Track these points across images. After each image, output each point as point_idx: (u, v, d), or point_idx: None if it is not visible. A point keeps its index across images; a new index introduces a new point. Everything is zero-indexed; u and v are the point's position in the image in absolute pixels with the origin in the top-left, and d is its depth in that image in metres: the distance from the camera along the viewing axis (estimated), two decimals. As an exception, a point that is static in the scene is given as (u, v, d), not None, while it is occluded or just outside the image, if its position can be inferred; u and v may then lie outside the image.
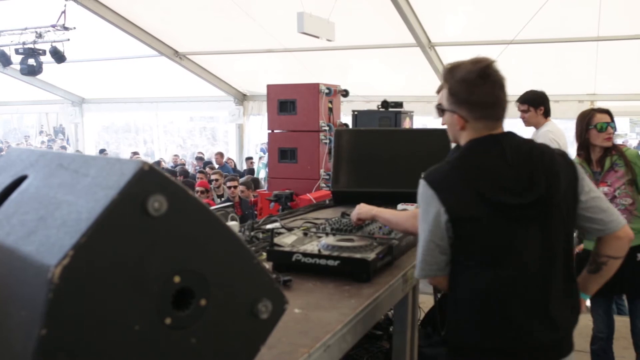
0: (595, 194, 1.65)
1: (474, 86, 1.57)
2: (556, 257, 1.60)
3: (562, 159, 1.64)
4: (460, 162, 1.63)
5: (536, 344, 1.58)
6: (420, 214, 1.62)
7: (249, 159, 11.35)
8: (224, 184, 7.30)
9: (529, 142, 1.66)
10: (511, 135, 1.64)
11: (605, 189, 3.14)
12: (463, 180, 1.58)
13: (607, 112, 3.23)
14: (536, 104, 4.06)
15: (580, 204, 1.63)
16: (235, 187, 6.79)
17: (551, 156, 1.62)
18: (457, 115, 1.62)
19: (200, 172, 9.53)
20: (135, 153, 14.21)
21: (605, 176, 3.18)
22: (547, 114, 4.12)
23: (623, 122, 14.21)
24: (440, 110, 1.71)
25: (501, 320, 1.57)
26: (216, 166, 10.93)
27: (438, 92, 2.23)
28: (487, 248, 1.57)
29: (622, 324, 3.89)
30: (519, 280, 1.56)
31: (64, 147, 15.78)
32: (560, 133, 4.14)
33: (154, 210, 0.82)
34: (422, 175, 1.62)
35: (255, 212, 5.53)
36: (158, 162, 11.54)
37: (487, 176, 1.57)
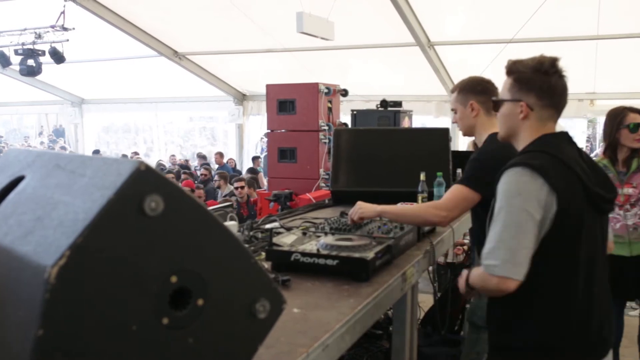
0: None
1: (547, 74, 1.62)
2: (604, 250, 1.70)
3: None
4: (555, 151, 1.59)
5: (603, 339, 1.64)
6: (516, 207, 1.51)
7: (256, 158, 11.36)
8: (231, 184, 7.32)
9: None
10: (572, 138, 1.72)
11: (630, 190, 3.09)
12: (567, 168, 1.55)
13: (639, 111, 3.14)
14: None
15: None
16: (242, 187, 6.84)
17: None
18: (524, 103, 1.64)
19: (204, 167, 9.66)
20: (135, 153, 14.21)
21: (631, 177, 3.11)
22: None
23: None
24: (497, 103, 1.74)
25: (586, 318, 1.58)
26: (216, 166, 10.93)
27: (453, 91, 2.26)
28: (588, 241, 1.57)
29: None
30: (600, 275, 1.63)
31: (63, 148, 15.78)
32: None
33: (150, 210, 0.82)
34: (515, 164, 1.55)
35: (255, 212, 5.53)
36: (162, 166, 11.52)
37: (580, 167, 1.58)
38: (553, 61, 1.64)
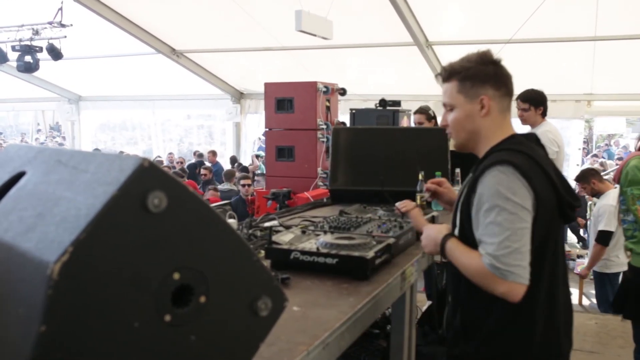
0: None
1: (494, 64, 1.57)
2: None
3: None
4: (528, 151, 1.50)
5: (565, 351, 1.60)
6: (515, 206, 1.41)
7: (259, 157, 11.35)
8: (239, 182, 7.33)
9: None
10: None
11: None
12: (543, 172, 1.49)
13: None
14: (537, 103, 4.08)
15: None
16: (248, 185, 6.85)
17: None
18: (484, 96, 1.54)
19: (204, 167, 9.65)
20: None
21: None
22: (544, 114, 4.14)
23: (619, 122, 14.27)
24: (450, 109, 1.62)
25: (556, 329, 1.54)
26: (209, 164, 10.92)
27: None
28: (552, 250, 1.51)
29: (619, 322, 3.90)
30: (565, 285, 1.58)
31: (61, 145, 15.74)
32: (558, 133, 4.17)
33: (153, 207, 0.81)
34: (501, 161, 1.45)
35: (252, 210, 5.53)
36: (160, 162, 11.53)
37: (552, 171, 1.52)
38: (491, 51, 1.59)
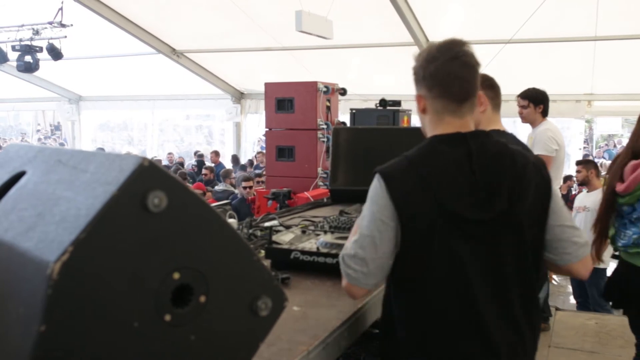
0: (560, 222, 1.49)
1: (431, 60, 1.44)
2: (504, 279, 1.43)
3: (536, 170, 1.47)
4: (420, 158, 1.44)
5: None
6: (370, 213, 1.42)
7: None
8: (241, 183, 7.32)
9: (500, 146, 1.48)
10: (482, 134, 1.48)
11: None
12: (421, 181, 1.40)
13: None
14: (536, 101, 4.09)
15: (546, 226, 1.48)
16: (250, 187, 6.84)
17: (524, 165, 1.45)
18: (418, 95, 1.50)
19: (207, 168, 9.66)
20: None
21: None
22: (545, 113, 4.14)
23: (618, 122, 14.30)
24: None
25: (438, 343, 1.42)
26: (212, 165, 10.93)
27: None
28: (433, 262, 1.40)
29: (619, 322, 3.90)
30: (457, 301, 1.41)
31: (62, 144, 15.75)
32: (559, 132, 4.17)
33: (153, 207, 0.81)
34: (378, 169, 1.46)
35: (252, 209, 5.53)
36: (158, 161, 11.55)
37: (446, 180, 1.40)
38: (443, 45, 1.45)
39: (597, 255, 2.79)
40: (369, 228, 1.41)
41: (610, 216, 2.81)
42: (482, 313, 1.40)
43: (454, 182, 1.40)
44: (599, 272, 4.66)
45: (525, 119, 4.17)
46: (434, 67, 1.44)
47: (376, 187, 1.44)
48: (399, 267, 1.43)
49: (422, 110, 1.51)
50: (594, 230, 2.85)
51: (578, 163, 5.70)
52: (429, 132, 1.51)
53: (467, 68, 1.44)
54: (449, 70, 1.43)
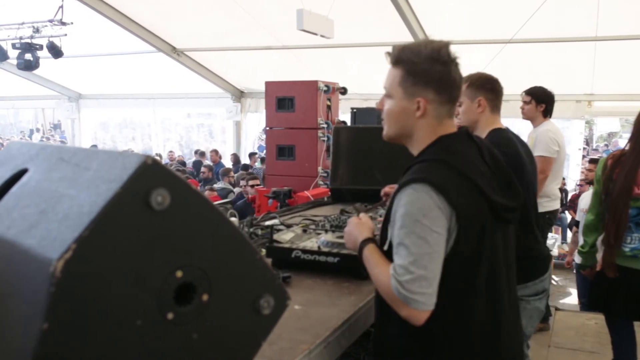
0: None
1: (445, 64, 1.41)
2: (511, 262, 1.50)
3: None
4: (452, 159, 1.40)
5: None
6: (425, 229, 1.32)
7: (253, 154, 11.32)
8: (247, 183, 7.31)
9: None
10: (472, 133, 1.53)
11: None
12: (465, 179, 1.38)
13: None
14: (539, 99, 4.08)
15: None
16: (257, 185, 6.81)
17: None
18: (421, 99, 1.42)
19: (205, 166, 9.64)
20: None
21: None
22: (546, 113, 4.13)
23: (616, 123, 14.31)
24: (388, 96, 1.48)
25: (491, 340, 1.43)
26: (211, 163, 10.92)
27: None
28: (489, 258, 1.39)
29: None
30: (505, 292, 1.45)
31: (62, 142, 15.75)
32: (560, 133, 4.17)
33: (156, 205, 0.81)
34: (415, 179, 1.37)
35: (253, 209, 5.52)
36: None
37: (480, 175, 1.41)
38: (448, 47, 1.42)
39: (612, 260, 2.75)
40: (428, 244, 1.31)
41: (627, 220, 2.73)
42: (501, 301, 1.45)
43: (484, 176, 1.42)
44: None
45: (525, 115, 4.17)
46: (443, 71, 1.41)
47: (424, 199, 1.33)
48: (450, 273, 1.35)
49: (421, 115, 1.43)
50: (610, 237, 2.73)
51: (592, 161, 5.55)
52: (425, 137, 1.46)
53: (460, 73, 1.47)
54: (455, 76, 1.44)
